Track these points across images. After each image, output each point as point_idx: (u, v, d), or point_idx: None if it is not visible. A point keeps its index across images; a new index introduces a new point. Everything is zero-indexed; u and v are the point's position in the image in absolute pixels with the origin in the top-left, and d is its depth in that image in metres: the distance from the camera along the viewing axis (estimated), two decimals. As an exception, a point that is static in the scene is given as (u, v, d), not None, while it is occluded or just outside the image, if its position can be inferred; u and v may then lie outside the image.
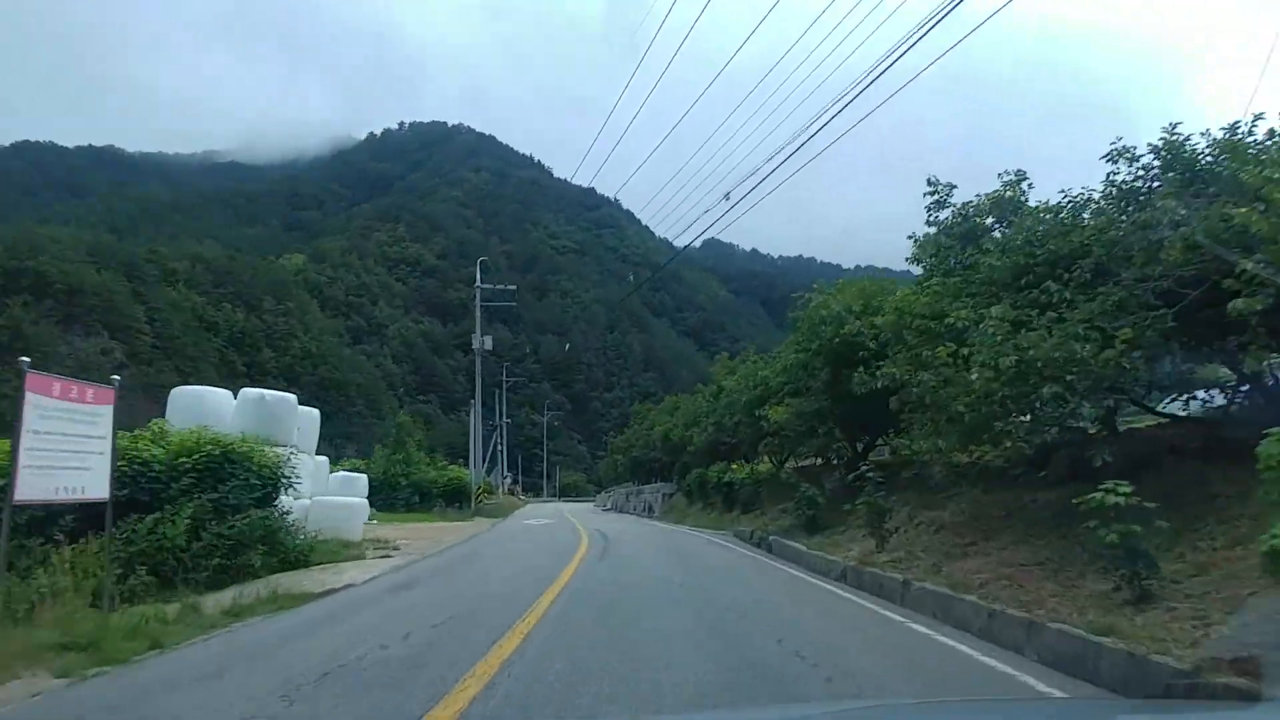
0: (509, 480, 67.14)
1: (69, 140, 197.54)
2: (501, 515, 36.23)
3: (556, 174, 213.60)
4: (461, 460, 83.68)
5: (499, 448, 66.86)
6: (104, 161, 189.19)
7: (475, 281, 48.59)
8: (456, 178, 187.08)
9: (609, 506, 54.42)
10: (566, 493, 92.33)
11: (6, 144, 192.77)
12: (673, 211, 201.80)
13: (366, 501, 24.02)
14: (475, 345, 41.08)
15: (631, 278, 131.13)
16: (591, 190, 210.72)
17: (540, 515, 36.39)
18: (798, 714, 3.33)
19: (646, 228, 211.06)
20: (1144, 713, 2.89)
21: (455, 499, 35.27)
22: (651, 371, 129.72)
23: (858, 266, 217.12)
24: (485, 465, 70.77)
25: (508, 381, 79.56)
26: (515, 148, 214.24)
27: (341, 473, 25.18)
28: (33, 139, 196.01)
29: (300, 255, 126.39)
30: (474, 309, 50.94)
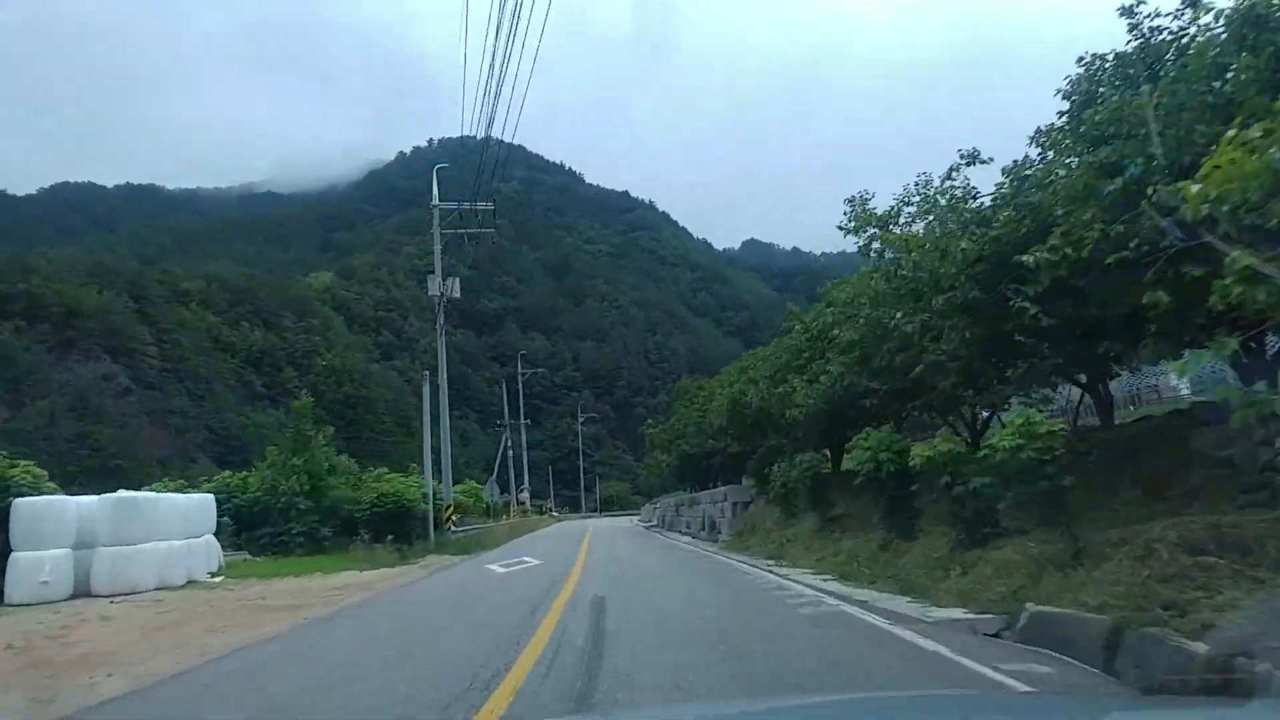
0: (526, 494, 58.35)
1: (109, 180, 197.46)
2: (480, 547, 24.95)
3: (588, 179, 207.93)
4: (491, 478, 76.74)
5: (508, 454, 58.56)
6: (142, 198, 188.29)
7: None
8: (486, 187, 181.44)
9: (654, 523, 46.26)
10: (609, 506, 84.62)
11: (46, 185, 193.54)
12: (710, 210, 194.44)
13: (212, 541, 16.61)
14: (433, 290, 32.51)
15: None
16: (625, 193, 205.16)
17: (541, 547, 24.40)
18: (792, 704, 3.21)
19: (684, 229, 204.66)
20: (1140, 708, 2.91)
21: (402, 525, 23.12)
22: (697, 373, 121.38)
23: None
24: (493, 476, 63.79)
25: (524, 372, 72.16)
26: (545, 155, 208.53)
27: (124, 494, 14.84)
28: (72, 180, 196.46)
29: (327, 273, 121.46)
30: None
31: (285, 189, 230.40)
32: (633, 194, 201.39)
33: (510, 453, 56.24)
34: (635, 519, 58.76)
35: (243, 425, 71.41)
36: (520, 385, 71.59)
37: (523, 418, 65.68)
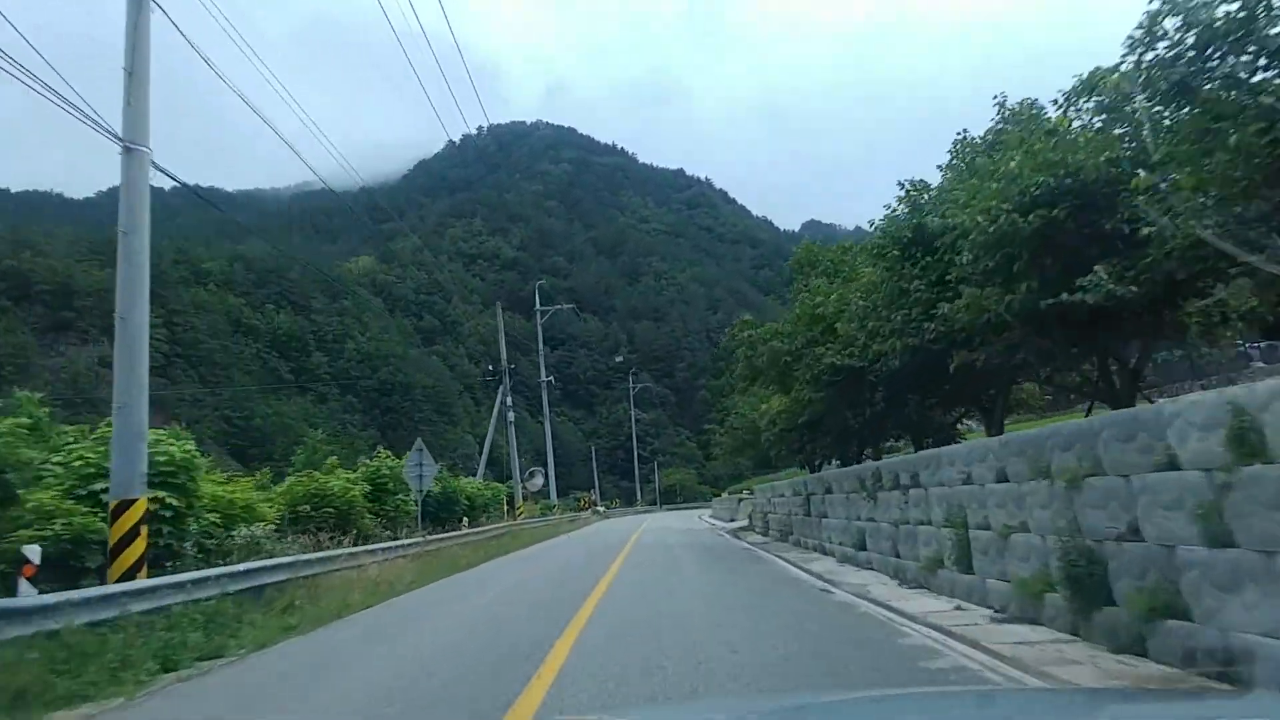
0: (540, 479, 44.98)
1: (165, 181, 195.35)
2: (373, 597, 11.77)
3: (641, 159, 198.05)
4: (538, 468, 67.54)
5: (510, 424, 46.50)
6: (203, 201, 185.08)
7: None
8: (536, 171, 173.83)
9: (739, 523, 33.83)
10: (669, 499, 74.61)
11: (103, 189, 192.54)
12: (769, 191, 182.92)
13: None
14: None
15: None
16: (680, 171, 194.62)
17: (499, 589, 13.47)
18: (791, 704, 3.07)
19: (743, 207, 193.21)
20: (1135, 701, 2.82)
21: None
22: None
23: None
24: (539, 469, 54.88)
25: (545, 310, 62.04)
26: (596, 137, 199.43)
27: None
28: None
29: (368, 257, 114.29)
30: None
31: (339, 186, 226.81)
32: (688, 172, 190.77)
33: (511, 420, 43.20)
34: (705, 515, 48.18)
35: (265, 415, 63.59)
36: (539, 327, 59.62)
37: (544, 375, 55.36)
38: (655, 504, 64.82)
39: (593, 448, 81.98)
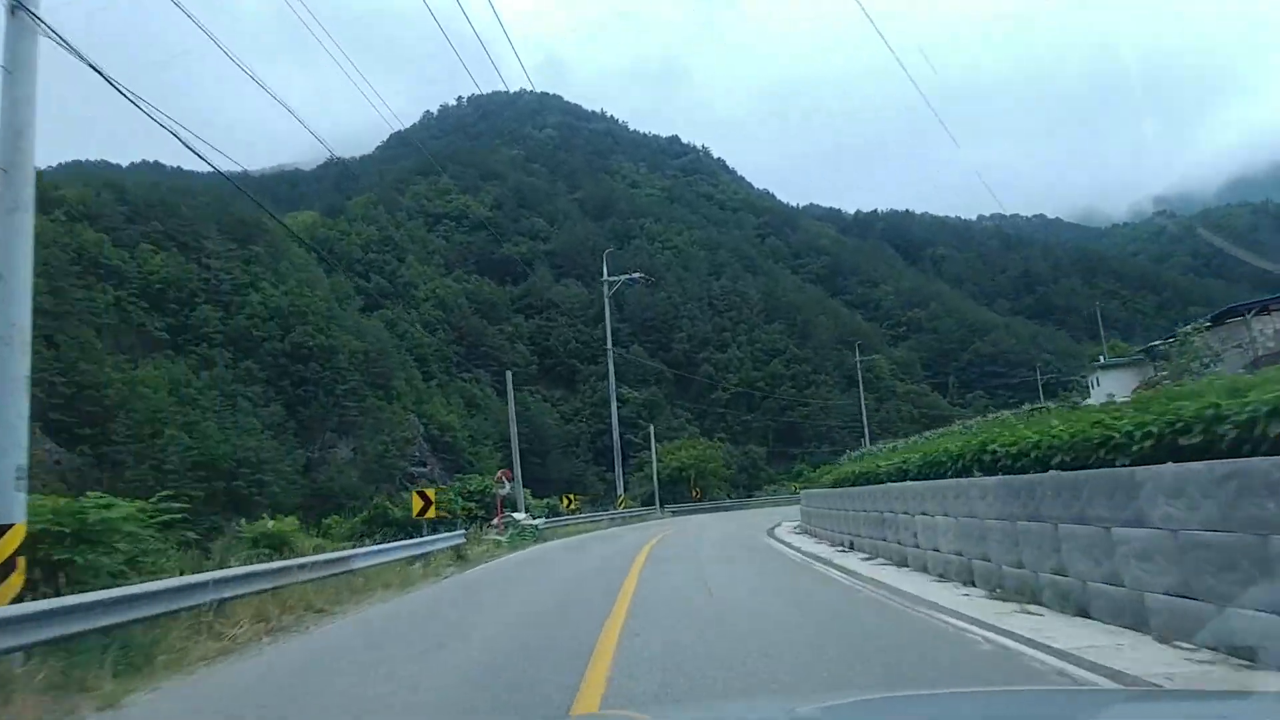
0: (505, 490, 27.80)
1: (123, 158, 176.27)
2: None
3: (632, 127, 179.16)
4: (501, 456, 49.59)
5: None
6: (167, 180, 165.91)
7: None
8: (519, 135, 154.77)
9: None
10: (674, 496, 53.51)
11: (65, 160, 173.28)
12: (771, 171, 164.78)
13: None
14: None
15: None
16: (675, 139, 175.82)
17: None
18: (831, 704, 3.03)
19: (743, 177, 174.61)
20: (1141, 701, 2.86)
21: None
22: (777, 323, 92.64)
23: (979, 217, 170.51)
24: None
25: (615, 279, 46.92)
26: (585, 105, 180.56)
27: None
28: (88, 158, 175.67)
29: (311, 212, 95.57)
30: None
31: (311, 165, 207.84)
32: (684, 140, 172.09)
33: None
34: (788, 528, 26.21)
35: (113, 382, 44.79)
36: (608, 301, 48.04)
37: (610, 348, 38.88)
38: (660, 505, 46.60)
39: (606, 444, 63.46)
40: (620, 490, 44.67)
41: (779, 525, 23.43)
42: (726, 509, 49.37)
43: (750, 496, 58.76)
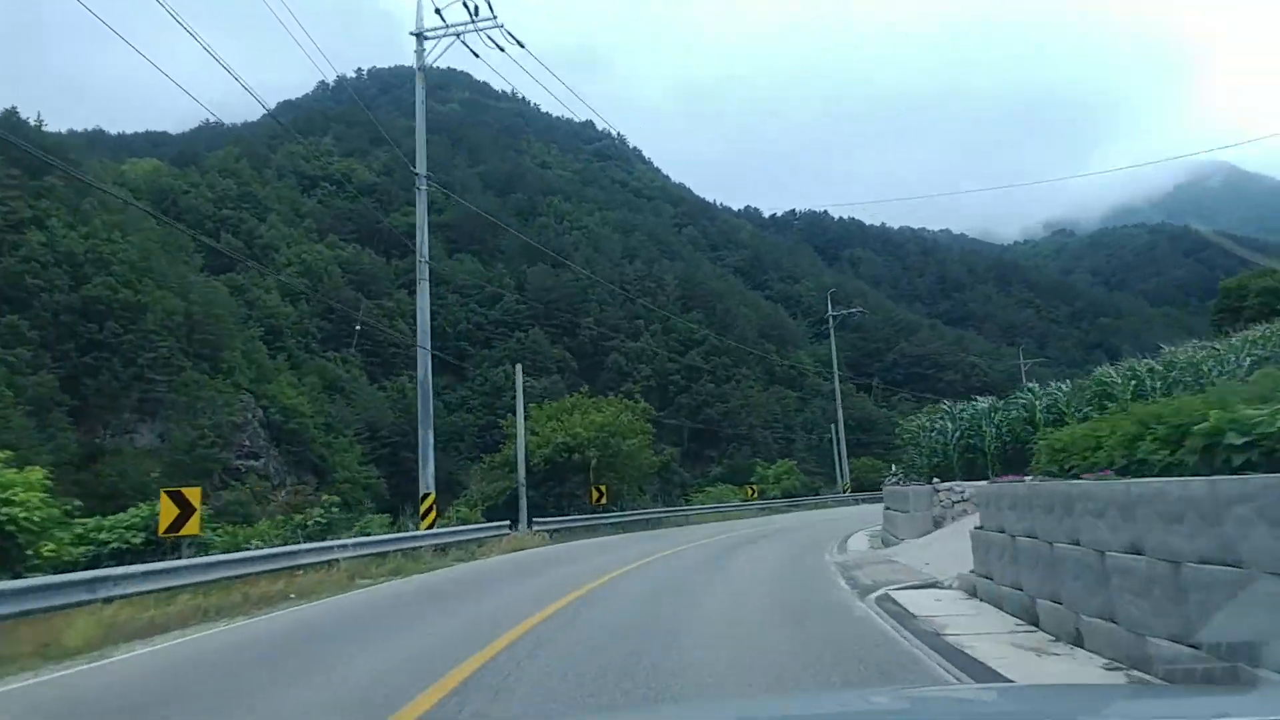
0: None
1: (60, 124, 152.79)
2: None
3: (543, 109, 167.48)
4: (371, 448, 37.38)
5: None
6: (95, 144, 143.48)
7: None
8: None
9: None
10: (565, 499, 35.59)
11: None
12: (693, 156, 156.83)
13: None
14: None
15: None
16: (589, 124, 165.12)
17: None
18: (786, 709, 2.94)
19: (659, 169, 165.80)
20: (1142, 698, 2.75)
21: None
22: (696, 311, 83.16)
23: (884, 225, 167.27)
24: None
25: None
26: (494, 84, 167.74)
27: None
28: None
29: (155, 160, 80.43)
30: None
31: (181, 129, 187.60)
32: (598, 126, 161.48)
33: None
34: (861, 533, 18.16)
35: None
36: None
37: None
38: (520, 513, 28.12)
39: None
40: (426, 487, 21.93)
41: (895, 584, 10.78)
42: (650, 524, 32.04)
43: (678, 507, 40.61)
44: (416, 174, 24.23)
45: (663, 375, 74.52)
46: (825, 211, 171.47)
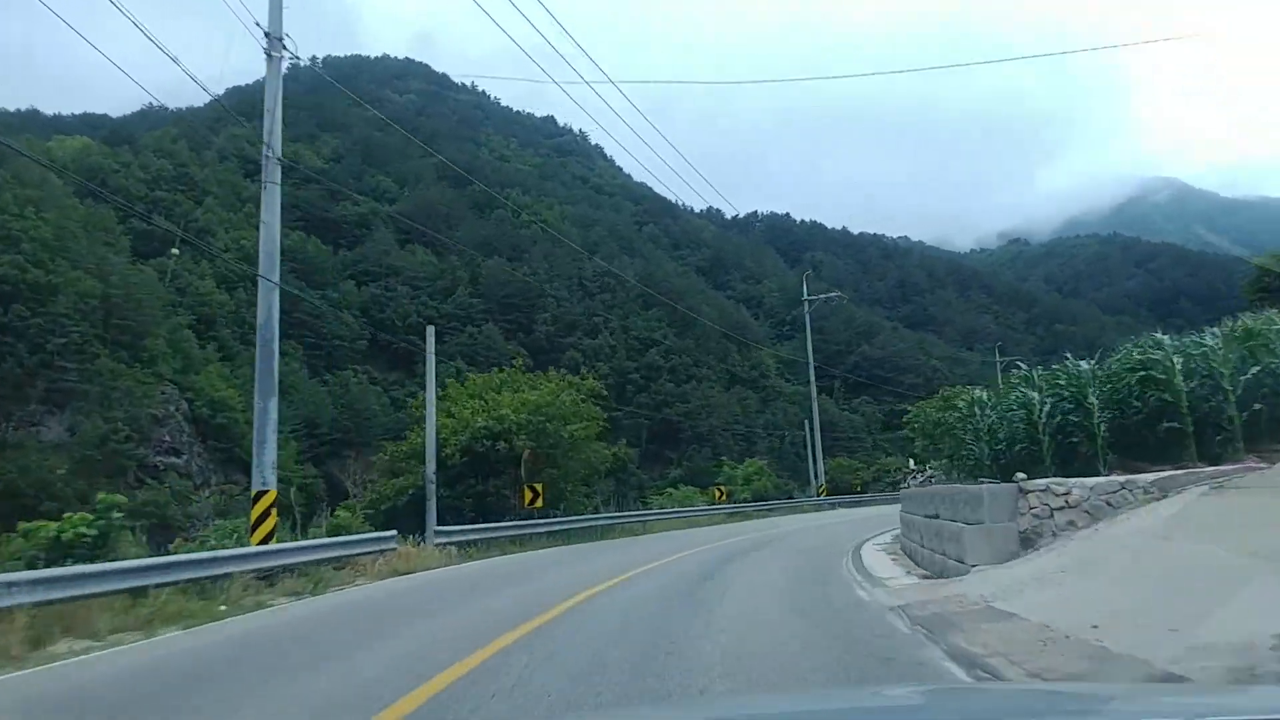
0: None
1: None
2: None
3: (503, 103, 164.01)
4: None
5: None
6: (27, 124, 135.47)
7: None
8: (376, 97, 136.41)
9: None
10: (488, 502, 26.42)
11: None
12: (654, 157, 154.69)
13: None
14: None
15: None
16: (551, 119, 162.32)
17: None
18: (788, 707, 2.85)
19: (620, 167, 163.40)
20: (1140, 697, 2.70)
21: None
22: (656, 309, 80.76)
23: (845, 229, 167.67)
24: None
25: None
26: (453, 76, 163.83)
27: None
28: None
29: (84, 138, 75.67)
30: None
31: (122, 114, 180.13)
32: (559, 121, 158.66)
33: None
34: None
35: None
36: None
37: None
38: (429, 515, 20.84)
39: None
40: (262, 483, 15.16)
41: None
42: (597, 532, 26.85)
43: (633, 512, 34.30)
44: (270, 36, 16.97)
45: (621, 374, 71.93)
46: (787, 214, 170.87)
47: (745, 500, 41.52)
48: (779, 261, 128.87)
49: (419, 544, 18.78)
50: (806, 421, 50.25)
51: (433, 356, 24.85)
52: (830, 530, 22.48)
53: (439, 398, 25.73)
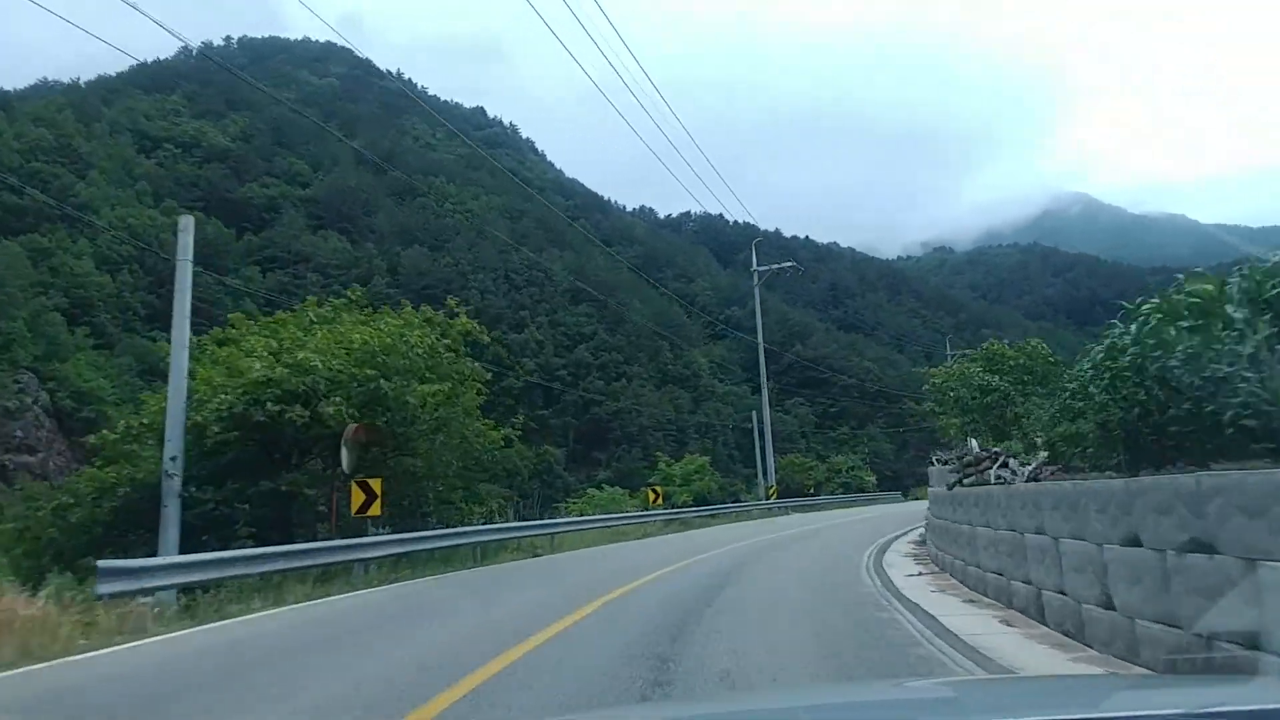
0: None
1: None
2: None
3: (431, 92, 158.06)
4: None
5: None
6: None
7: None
8: (294, 79, 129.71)
9: None
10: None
11: None
12: (586, 155, 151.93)
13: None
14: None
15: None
16: (480, 109, 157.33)
17: None
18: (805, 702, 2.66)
19: (552, 163, 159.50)
20: (1142, 688, 2.71)
21: None
22: (585, 304, 77.48)
23: (778, 230, 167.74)
24: None
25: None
26: (377, 62, 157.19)
27: None
28: None
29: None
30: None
31: (13, 86, 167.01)
32: (490, 113, 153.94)
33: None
34: None
35: None
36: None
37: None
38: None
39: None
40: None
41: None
42: (475, 555, 17.82)
43: (536, 522, 24.16)
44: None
45: (548, 371, 68.37)
46: (720, 215, 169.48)
47: (685, 504, 36.57)
48: (712, 260, 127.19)
49: (118, 598, 9.36)
50: (755, 413, 47.48)
51: (188, 279, 14.30)
52: (824, 550, 16.74)
53: (222, 341, 17.57)
